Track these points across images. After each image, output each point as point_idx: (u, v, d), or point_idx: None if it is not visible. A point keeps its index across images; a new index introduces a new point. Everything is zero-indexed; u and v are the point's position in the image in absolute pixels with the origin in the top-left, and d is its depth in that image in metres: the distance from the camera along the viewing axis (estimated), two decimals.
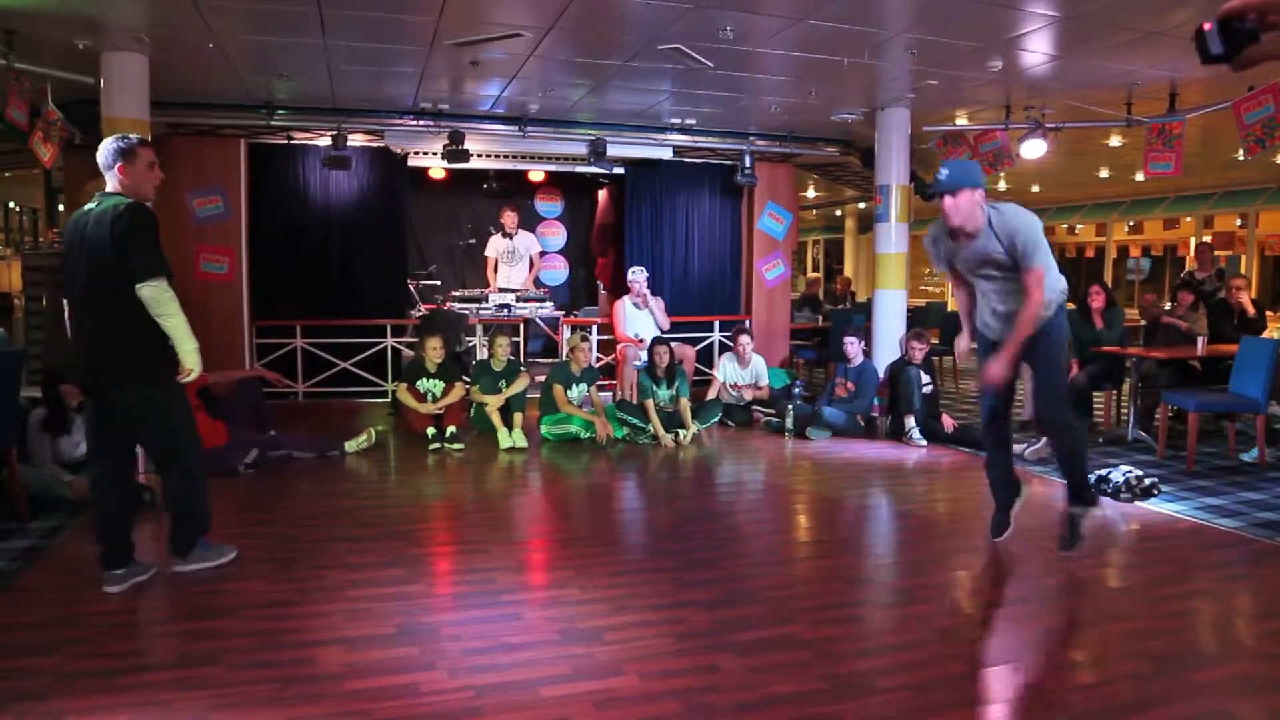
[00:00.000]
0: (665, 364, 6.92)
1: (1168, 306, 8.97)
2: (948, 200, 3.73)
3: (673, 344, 7.27)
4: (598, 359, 8.25)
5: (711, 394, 7.59)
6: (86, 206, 3.58)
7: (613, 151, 8.45)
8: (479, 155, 8.40)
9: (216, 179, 7.96)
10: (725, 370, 7.71)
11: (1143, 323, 8.51)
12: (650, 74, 6.54)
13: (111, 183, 3.60)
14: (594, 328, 8.79)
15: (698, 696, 2.74)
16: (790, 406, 7.07)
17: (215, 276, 7.98)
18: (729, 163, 9.34)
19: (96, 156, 3.64)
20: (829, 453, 6.53)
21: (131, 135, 3.73)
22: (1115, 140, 8.68)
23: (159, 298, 3.41)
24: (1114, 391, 7.23)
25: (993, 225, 3.76)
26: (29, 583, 3.70)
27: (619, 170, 9.17)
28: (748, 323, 9.46)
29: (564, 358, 7.54)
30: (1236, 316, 7.34)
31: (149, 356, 3.51)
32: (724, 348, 9.43)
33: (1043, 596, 3.70)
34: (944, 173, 3.76)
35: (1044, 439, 6.12)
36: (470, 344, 8.53)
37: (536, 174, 10.02)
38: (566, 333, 8.60)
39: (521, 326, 8.72)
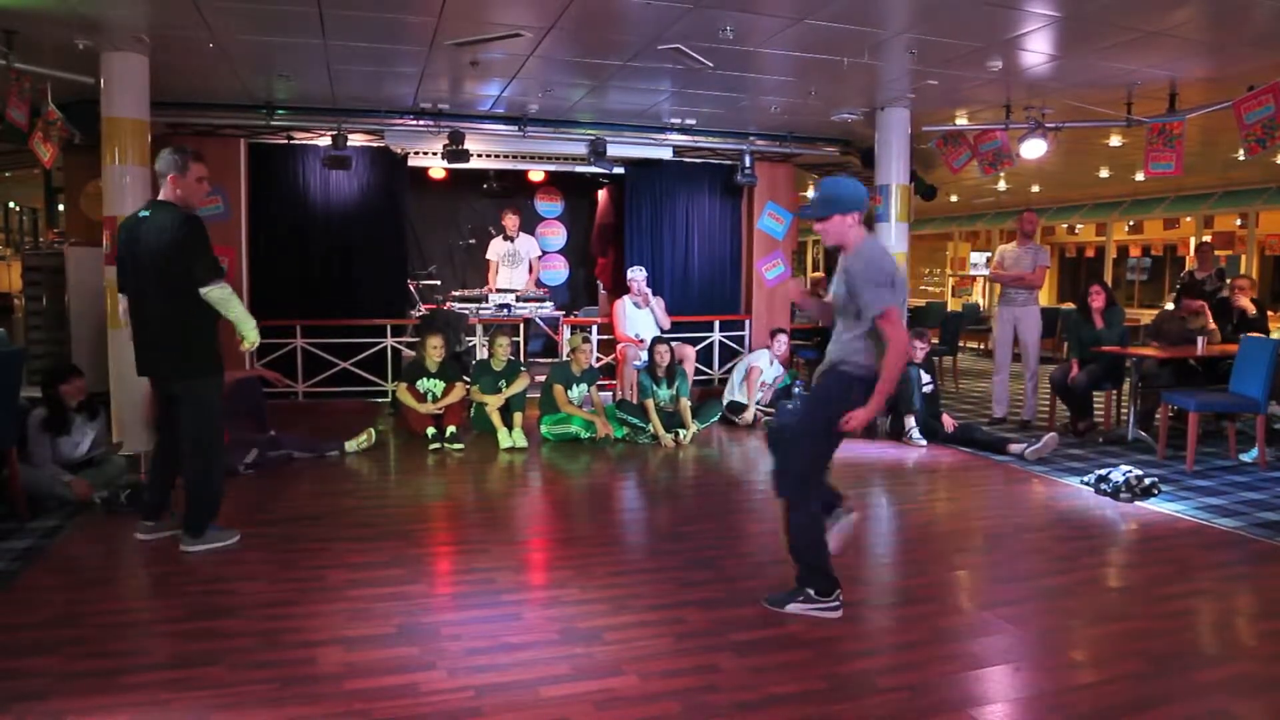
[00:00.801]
0: (666, 364, 6.92)
1: (1170, 307, 8.96)
2: (817, 224, 3.32)
3: (673, 344, 7.27)
4: (598, 359, 8.25)
5: (754, 390, 7.58)
6: (141, 213, 3.94)
7: (613, 151, 8.45)
8: (479, 155, 8.40)
9: (216, 179, 7.81)
10: (766, 368, 7.72)
11: (1144, 323, 8.51)
12: (650, 74, 6.54)
13: (164, 191, 3.95)
14: (594, 328, 8.79)
15: (698, 696, 2.74)
16: (790, 406, 7.06)
17: None
18: (729, 163, 9.33)
19: (156, 164, 4.02)
20: None
21: (188, 148, 4.04)
22: (1115, 140, 8.67)
23: (223, 297, 3.90)
24: (1114, 391, 7.23)
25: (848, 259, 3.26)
26: (29, 583, 3.70)
27: (619, 170, 9.16)
28: (749, 323, 9.52)
29: (564, 358, 7.54)
30: (1236, 316, 7.33)
31: (202, 350, 3.99)
32: (725, 348, 9.46)
33: (1043, 596, 3.70)
34: (814, 194, 3.37)
35: (1044, 439, 6.14)
36: (470, 344, 8.53)
37: (536, 174, 10.01)
38: (566, 333, 8.60)
39: (521, 326, 8.71)
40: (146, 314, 3.96)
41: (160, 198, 3.99)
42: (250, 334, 4.06)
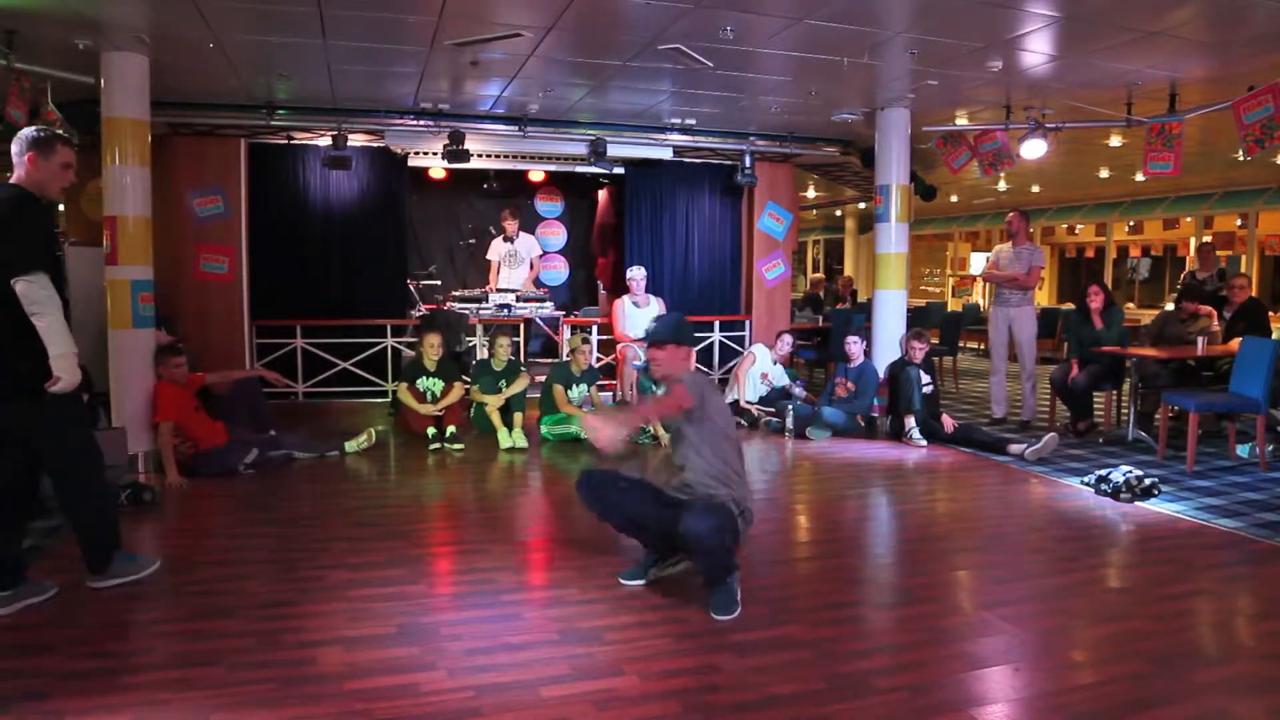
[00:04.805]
0: None
1: (1170, 308, 8.96)
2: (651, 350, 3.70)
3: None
4: (598, 359, 8.25)
5: (744, 376, 7.57)
6: None
7: (613, 151, 8.44)
8: (479, 155, 8.39)
9: (216, 179, 7.95)
10: (762, 360, 7.70)
11: (1144, 323, 8.51)
12: (650, 74, 6.53)
13: (16, 172, 3.38)
14: (594, 328, 8.79)
15: (698, 696, 2.74)
16: (790, 406, 7.07)
17: (215, 276, 7.97)
18: (729, 163, 9.33)
19: (12, 143, 3.42)
20: (829, 453, 6.53)
21: (57, 131, 3.53)
22: (1115, 140, 8.67)
23: (29, 294, 3.18)
24: (1114, 392, 7.23)
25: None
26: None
27: (619, 170, 9.16)
28: (749, 323, 9.55)
29: (564, 358, 7.54)
30: (1238, 308, 7.29)
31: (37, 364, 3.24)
32: (725, 348, 9.46)
33: (1043, 596, 3.70)
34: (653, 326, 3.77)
35: (1044, 439, 6.13)
36: (470, 344, 8.53)
37: (536, 174, 10.01)
38: (566, 333, 8.60)
39: (521, 326, 8.71)
40: None
41: (12, 179, 3.36)
42: (56, 363, 3.19)
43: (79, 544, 3.61)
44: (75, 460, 3.50)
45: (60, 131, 3.52)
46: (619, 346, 8.08)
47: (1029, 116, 7.11)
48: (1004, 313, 7.56)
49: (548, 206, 10.86)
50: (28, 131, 3.41)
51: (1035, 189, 13.85)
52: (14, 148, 3.38)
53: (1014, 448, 6.24)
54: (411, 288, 8.88)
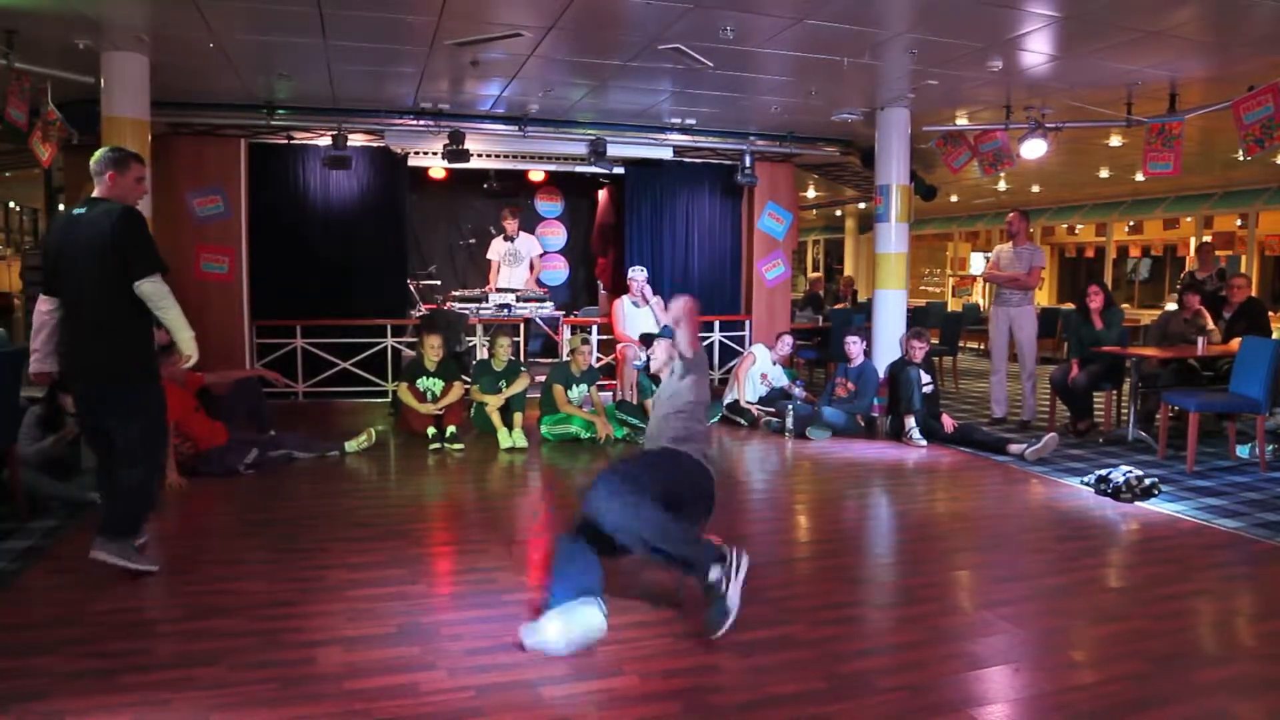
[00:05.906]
0: None
1: (1170, 307, 8.96)
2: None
3: None
4: (598, 359, 8.25)
5: (744, 376, 7.58)
6: (76, 210, 3.77)
7: (613, 151, 8.45)
8: (479, 155, 8.40)
9: (216, 179, 7.96)
10: (762, 360, 7.71)
11: (1145, 324, 8.51)
12: (650, 74, 6.54)
13: (100, 188, 3.80)
14: (594, 328, 8.79)
15: (698, 696, 2.74)
16: (790, 406, 7.07)
17: (215, 276, 7.98)
18: (729, 163, 9.34)
19: (90, 162, 3.83)
20: (829, 453, 6.53)
21: (128, 149, 3.95)
22: (1115, 140, 8.68)
23: (157, 292, 3.66)
24: (1114, 392, 7.23)
25: None
26: (29, 583, 3.70)
27: (619, 170, 9.17)
28: (748, 323, 9.54)
29: (564, 358, 7.54)
30: (1237, 308, 7.30)
31: (145, 354, 3.81)
32: (725, 348, 9.47)
33: (1043, 596, 3.70)
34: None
35: (1044, 439, 6.13)
36: (470, 344, 8.53)
37: (536, 174, 10.02)
38: (566, 333, 8.60)
39: (521, 326, 8.72)
40: (84, 316, 3.68)
41: (96, 194, 3.78)
42: (186, 344, 3.77)
43: (110, 513, 3.73)
44: (155, 437, 3.89)
45: (132, 150, 3.95)
46: (619, 346, 8.08)
47: (1029, 116, 7.12)
48: (1004, 313, 7.56)
49: (548, 206, 10.87)
50: (106, 152, 3.84)
51: (1035, 189, 13.85)
52: (94, 166, 3.80)
53: (1014, 448, 6.24)
54: (411, 288, 8.89)
